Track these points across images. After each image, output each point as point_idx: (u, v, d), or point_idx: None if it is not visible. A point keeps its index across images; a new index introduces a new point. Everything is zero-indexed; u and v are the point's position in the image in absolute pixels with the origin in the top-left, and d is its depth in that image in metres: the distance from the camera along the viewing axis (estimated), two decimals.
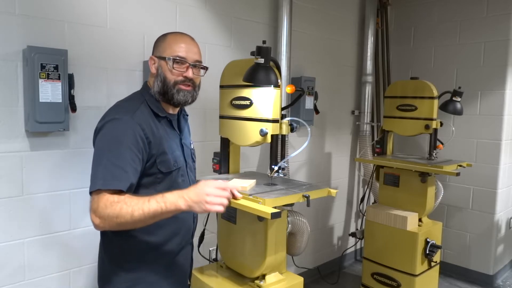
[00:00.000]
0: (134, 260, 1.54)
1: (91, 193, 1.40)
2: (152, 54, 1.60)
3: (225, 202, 1.40)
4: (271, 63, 1.85)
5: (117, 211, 1.33)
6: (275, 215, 1.64)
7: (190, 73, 1.56)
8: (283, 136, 2.08)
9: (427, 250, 3.09)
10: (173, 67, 1.53)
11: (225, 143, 2.23)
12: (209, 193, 1.36)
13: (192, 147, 1.77)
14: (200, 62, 1.61)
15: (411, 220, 3.12)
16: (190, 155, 1.73)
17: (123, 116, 1.46)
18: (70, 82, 2.10)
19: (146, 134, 1.46)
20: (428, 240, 3.11)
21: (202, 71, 1.62)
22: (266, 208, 1.70)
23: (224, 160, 2.24)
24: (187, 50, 1.56)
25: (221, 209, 1.37)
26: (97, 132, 1.49)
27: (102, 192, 1.36)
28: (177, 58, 1.54)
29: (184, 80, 1.56)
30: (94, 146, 1.47)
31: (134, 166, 1.41)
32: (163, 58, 1.54)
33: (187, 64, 1.55)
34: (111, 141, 1.42)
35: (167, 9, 2.57)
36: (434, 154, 3.23)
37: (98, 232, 2.34)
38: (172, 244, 1.60)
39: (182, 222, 1.63)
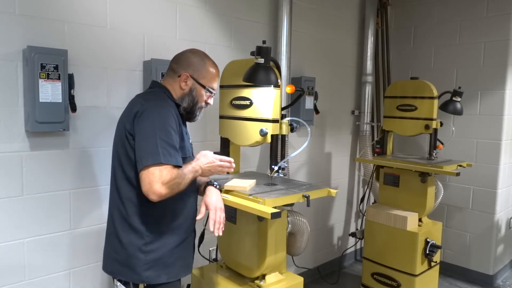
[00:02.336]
0: (152, 242, 1.65)
1: (146, 166, 1.52)
2: (186, 70, 1.74)
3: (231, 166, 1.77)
4: (271, 63, 1.85)
5: (180, 182, 1.58)
6: (275, 215, 1.64)
7: (212, 101, 1.84)
8: (283, 136, 2.08)
9: (427, 250, 3.09)
10: (207, 97, 1.80)
11: (225, 143, 2.23)
12: (215, 159, 1.71)
13: (190, 141, 1.87)
14: None
15: (411, 220, 3.12)
16: (191, 149, 1.85)
17: (162, 103, 1.67)
18: (70, 82, 2.10)
19: (178, 120, 1.68)
20: (428, 240, 3.11)
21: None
22: (266, 208, 1.70)
23: None
24: (218, 82, 1.84)
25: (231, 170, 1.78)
26: (139, 113, 1.59)
27: (163, 165, 1.52)
28: (213, 91, 1.80)
29: (206, 105, 1.82)
30: (140, 124, 1.57)
31: (178, 146, 1.62)
32: (202, 86, 1.77)
33: (214, 94, 1.83)
34: (160, 121, 1.58)
35: (167, 9, 2.57)
36: (434, 154, 3.23)
37: (99, 232, 2.35)
38: (184, 228, 1.74)
39: (191, 207, 1.79)
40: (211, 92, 1.80)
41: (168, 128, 1.58)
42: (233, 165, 1.79)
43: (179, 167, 1.57)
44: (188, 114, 1.78)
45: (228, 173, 1.87)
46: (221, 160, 1.74)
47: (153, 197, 1.52)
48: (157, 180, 1.50)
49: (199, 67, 1.76)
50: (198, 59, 1.78)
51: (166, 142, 1.55)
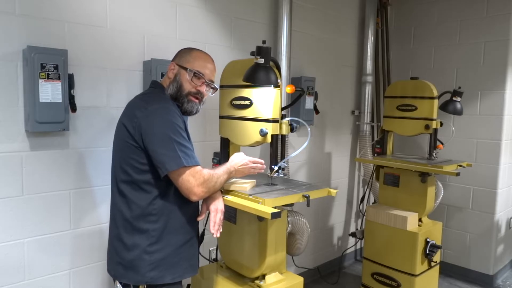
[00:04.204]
0: (157, 242, 1.65)
1: (172, 171, 1.57)
2: (173, 61, 1.79)
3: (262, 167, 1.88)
4: (271, 63, 1.85)
5: (215, 182, 1.66)
6: (275, 215, 1.64)
7: (203, 88, 1.79)
8: (283, 136, 2.08)
9: (427, 250, 3.09)
10: (191, 79, 1.75)
11: (225, 143, 2.22)
12: (249, 161, 1.83)
13: None
14: (213, 82, 1.84)
15: (411, 220, 3.12)
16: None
17: (165, 104, 1.66)
18: (70, 82, 2.10)
19: (181, 118, 1.68)
20: (428, 240, 3.10)
21: (212, 90, 1.84)
22: (266, 208, 1.70)
23: (224, 160, 2.23)
24: (207, 69, 1.80)
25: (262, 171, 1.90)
26: (145, 118, 1.58)
27: (190, 168, 1.57)
28: (198, 73, 1.75)
29: (196, 92, 1.77)
30: (150, 130, 1.58)
31: (191, 146, 1.66)
32: (185, 68, 1.75)
33: (203, 80, 1.78)
34: (171, 126, 1.59)
35: (167, 9, 2.57)
36: (434, 154, 3.23)
37: (99, 232, 2.35)
38: (188, 228, 1.74)
39: (195, 207, 1.79)
40: (196, 75, 1.74)
41: (178, 129, 1.60)
42: (264, 166, 1.89)
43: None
44: (175, 101, 1.75)
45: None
46: (253, 162, 1.84)
47: (194, 198, 1.62)
48: (194, 184, 1.58)
49: (185, 54, 1.80)
50: (186, 50, 1.83)
51: (182, 144, 1.58)
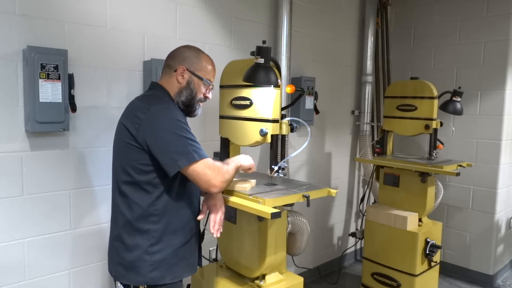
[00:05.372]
0: (158, 243, 1.64)
1: (186, 167, 1.57)
2: (182, 64, 1.75)
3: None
4: (271, 63, 1.85)
5: (231, 175, 1.69)
6: (275, 215, 1.64)
7: (211, 95, 1.84)
8: (283, 136, 2.08)
9: (427, 250, 3.09)
10: (205, 89, 1.80)
11: (225, 143, 2.22)
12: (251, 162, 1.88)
13: None
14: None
15: (411, 220, 3.12)
16: None
17: (167, 104, 1.66)
18: (70, 82, 2.10)
19: (185, 119, 1.69)
20: (428, 240, 3.11)
21: (212, 92, 1.88)
22: (266, 208, 1.70)
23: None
24: (214, 76, 1.85)
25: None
26: (149, 119, 1.58)
27: (201, 161, 1.58)
28: (210, 82, 1.81)
29: (204, 99, 1.83)
30: (155, 130, 1.57)
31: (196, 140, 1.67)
32: (199, 78, 1.77)
33: (211, 87, 1.83)
34: (176, 124, 1.59)
35: (167, 9, 2.57)
36: (434, 154, 3.23)
37: (99, 232, 2.35)
38: (188, 229, 1.73)
39: (195, 207, 1.78)
40: (208, 84, 1.80)
41: (184, 126, 1.61)
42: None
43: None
44: (187, 107, 1.78)
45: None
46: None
47: (215, 190, 1.63)
48: (211, 176, 1.59)
49: (195, 59, 1.77)
50: (193, 53, 1.79)
51: (190, 139, 1.59)
